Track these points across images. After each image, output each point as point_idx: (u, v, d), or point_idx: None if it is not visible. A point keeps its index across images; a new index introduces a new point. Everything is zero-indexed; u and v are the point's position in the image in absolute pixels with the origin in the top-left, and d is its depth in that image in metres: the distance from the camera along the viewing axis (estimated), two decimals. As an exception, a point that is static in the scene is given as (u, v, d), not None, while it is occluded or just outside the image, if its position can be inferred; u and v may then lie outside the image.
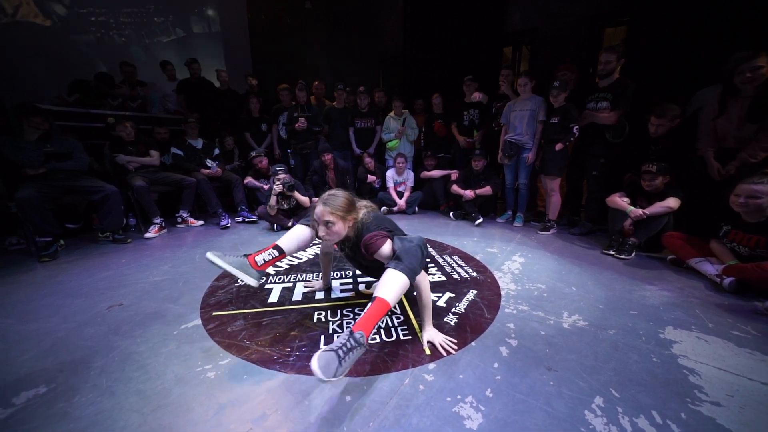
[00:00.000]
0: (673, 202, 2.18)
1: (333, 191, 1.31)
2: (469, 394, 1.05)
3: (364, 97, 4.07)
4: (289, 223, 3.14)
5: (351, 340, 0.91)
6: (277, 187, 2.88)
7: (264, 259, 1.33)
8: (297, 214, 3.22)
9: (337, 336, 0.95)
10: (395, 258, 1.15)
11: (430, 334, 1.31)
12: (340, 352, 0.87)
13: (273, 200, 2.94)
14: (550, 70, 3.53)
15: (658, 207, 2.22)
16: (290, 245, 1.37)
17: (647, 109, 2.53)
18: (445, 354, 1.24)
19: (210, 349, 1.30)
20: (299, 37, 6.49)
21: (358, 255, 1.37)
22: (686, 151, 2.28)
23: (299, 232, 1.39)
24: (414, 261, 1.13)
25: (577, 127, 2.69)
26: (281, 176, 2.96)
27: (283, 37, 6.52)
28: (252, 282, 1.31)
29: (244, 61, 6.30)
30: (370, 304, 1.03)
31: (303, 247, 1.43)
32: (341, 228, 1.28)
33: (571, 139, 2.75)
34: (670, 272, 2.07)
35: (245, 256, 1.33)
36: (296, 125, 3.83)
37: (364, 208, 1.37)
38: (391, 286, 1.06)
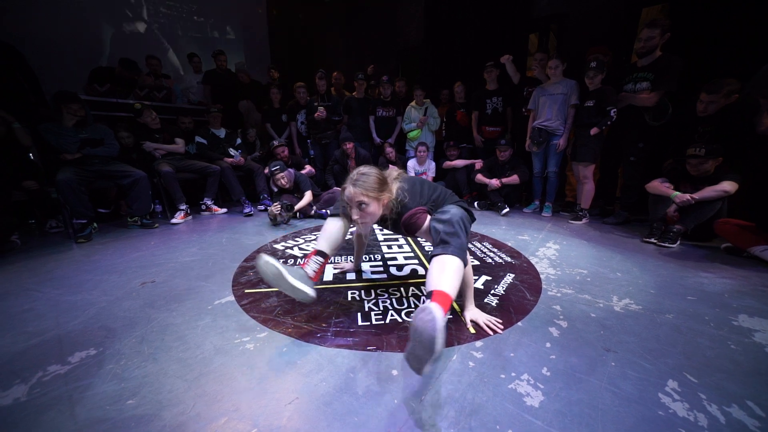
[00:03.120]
0: (728, 186, 2.01)
1: (362, 169, 1.18)
2: (524, 372, 0.98)
3: (387, 86, 4.01)
4: (312, 212, 3.13)
5: None
6: (275, 209, 2.76)
7: (313, 270, 1.23)
8: (318, 199, 3.21)
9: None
10: (440, 241, 1.04)
11: (473, 313, 1.24)
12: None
13: (271, 212, 2.81)
14: (580, 55, 3.37)
15: (709, 191, 2.06)
16: (331, 245, 1.26)
17: (693, 88, 2.35)
18: (491, 333, 1.17)
19: (246, 323, 1.28)
20: (318, 29, 6.50)
21: (400, 230, 1.29)
22: (743, 130, 2.09)
23: (332, 227, 1.28)
24: (462, 238, 1.04)
25: (615, 110, 2.54)
26: (281, 174, 2.96)
27: (301, 30, 6.55)
28: (311, 294, 1.16)
29: (263, 53, 6.36)
30: (427, 300, 0.89)
31: (343, 239, 1.29)
32: (376, 208, 1.17)
33: (608, 123, 2.60)
34: (726, 261, 1.92)
35: (301, 263, 1.34)
36: (315, 115, 3.82)
37: (396, 182, 1.25)
38: (446, 275, 0.94)
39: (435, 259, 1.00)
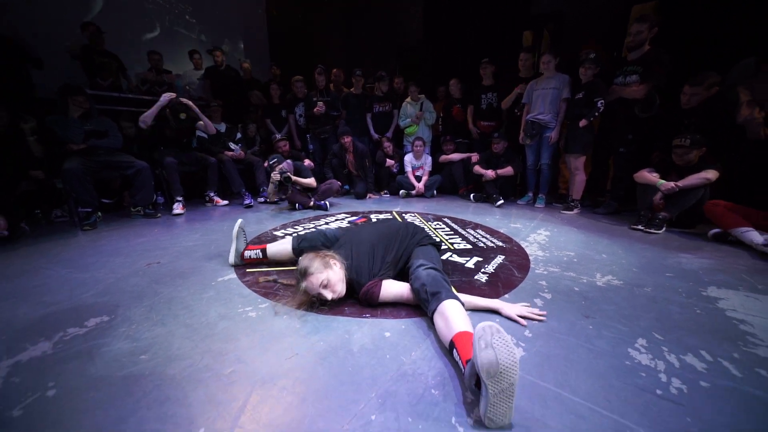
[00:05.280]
0: (710, 174, 2.09)
1: (302, 262, 1.19)
2: (508, 334, 1.05)
3: (384, 83, 4.10)
4: (311, 203, 3.20)
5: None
6: (275, 176, 2.91)
7: (250, 256, 1.62)
8: (316, 192, 3.29)
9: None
10: (431, 296, 1.03)
11: (505, 307, 1.16)
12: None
13: (271, 188, 3.02)
14: (574, 52, 3.45)
15: (693, 179, 2.14)
16: (275, 255, 1.59)
17: (680, 82, 2.43)
18: (525, 323, 1.10)
19: (248, 296, 1.35)
20: (318, 28, 6.58)
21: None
22: (725, 121, 2.18)
23: (286, 248, 1.56)
24: (445, 283, 1.06)
25: (602, 101, 2.62)
26: (279, 165, 3.00)
27: (301, 28, 6.62)
28: (230, 260, 1.64)
29: (263, 53, 6.44)
30: (455, 350, 0.86)
31: (285, 260, 1.61)
32: (337, 278, 1.17)
33: (596, 114, 2.68)
34: (708, 244, 2.00)
35: (248, 243, 1.65)
36: (315, 110, 3.90)
37: (343, 249, 1.29)
38: (454, 318, 0.92)
39: (436, 314, 0.99)
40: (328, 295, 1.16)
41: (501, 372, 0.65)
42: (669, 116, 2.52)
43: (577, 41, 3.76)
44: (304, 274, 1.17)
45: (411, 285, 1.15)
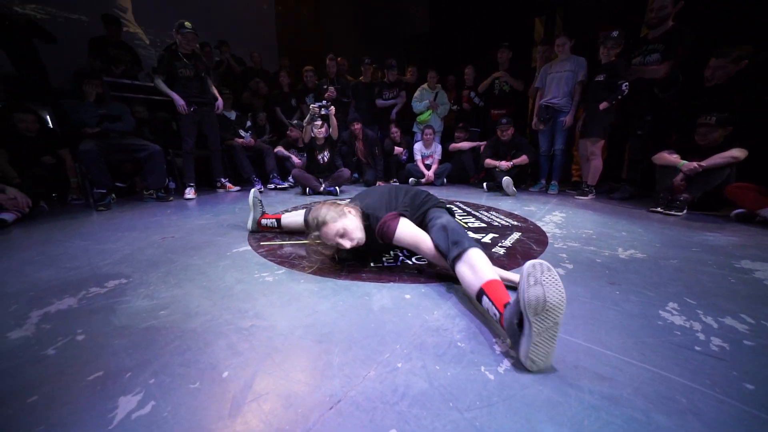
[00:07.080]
0: (737, 152, 2.01)
1: (313, 214, 1.14)
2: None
3: (393, 73, 4.05)
4: (321, 188, 3.19)
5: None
6: (315, 108, 3.00)
7: (266, 224, 1.72)
8: (327, 177, 3.29)
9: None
10: (453, 244, 0.97)
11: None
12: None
13: (308, 118, 3.08)
14: (587, 35, 3.35)
15: (718, 158, 2.06)
16: (288, 225, 1.68)
17: (705, 58, 2.34)
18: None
19: (264, 264, 1.35)
20: (325, 21, 6.56)
21: (374, 239, 1.19)
22: (755, 98, 2.08)
23: (298, 219, 1.61)
24: (467, 235, 1.01)
25: (626, 84, 2.53)
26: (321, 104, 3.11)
27: (308, 23, 6.61)
28: (248, 226, 1.77)
29: (270, 47, 6.44)
30: (485, 297, 0.82)
31: (297, 230, 1.68)
32: (354, 225, 1.11)
33: (618, 97, 2.59)
34: (735, 225, 1.93)
35: (264, 213, 1.76)
36: (326, 95, 3.88)
37: (359, 200, 1.26)
38: (480, 266, 0.89)
39: (460, 262, 0.94)
40: (346, 243, 1.09)
41: (548, 309, 0.63)
42: (691, 95, 2.43)
43: (589, 23, 3.65)
44: (319, 224, 1.10)
45: (430, 234, 1.08)
